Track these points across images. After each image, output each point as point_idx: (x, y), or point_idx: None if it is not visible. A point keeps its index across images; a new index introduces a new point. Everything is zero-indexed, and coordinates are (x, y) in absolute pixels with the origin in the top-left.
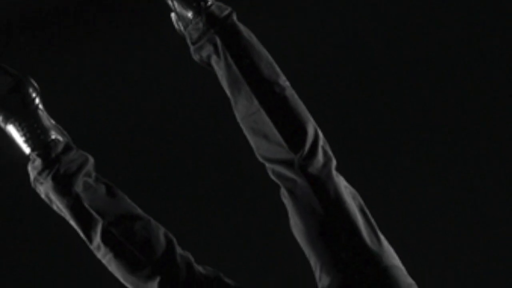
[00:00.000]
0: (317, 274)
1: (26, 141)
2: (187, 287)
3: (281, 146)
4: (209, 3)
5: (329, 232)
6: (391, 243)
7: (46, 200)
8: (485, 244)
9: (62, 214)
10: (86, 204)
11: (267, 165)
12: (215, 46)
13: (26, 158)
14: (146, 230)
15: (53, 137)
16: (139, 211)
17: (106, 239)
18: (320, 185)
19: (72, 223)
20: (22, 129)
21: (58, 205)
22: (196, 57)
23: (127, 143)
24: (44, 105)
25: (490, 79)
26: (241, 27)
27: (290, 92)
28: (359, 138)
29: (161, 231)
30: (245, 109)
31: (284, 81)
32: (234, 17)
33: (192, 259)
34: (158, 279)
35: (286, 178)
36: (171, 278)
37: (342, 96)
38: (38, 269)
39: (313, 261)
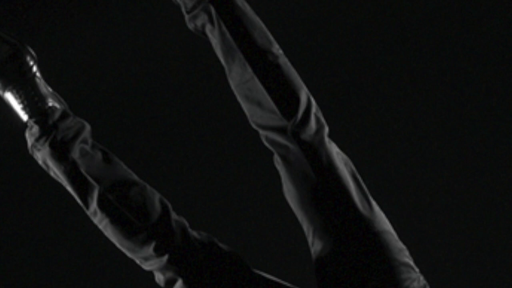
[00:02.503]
0: (309, 239)
1: (24, 108)
2: (182, 251)
3: (274, 113)
4: None
5: (321, 198)
6: (382, 208)
7: (43, 166)
8: (477, 209)
9: (59, 180)
10: (82, 170)
11: (261, 132)
12: (209, 15)
13: (23, 125)
14: (141, 196)
15: (50, 104)
16: (135, 177)
17: (102, 205)
18: (313, 152)
19: (69, 189)
20: (20, 97)
21: (55, 171)
22: (190, 26)
23: (123, 109)
24: (41, 73)
25: (490, 79)
26: None
27: (283, 60)
28: (351, 104)
29: (157, 196)
30: (239, 77)
31: (277, 49)
32: None
33: (187, 224)
34: (153, 244)
35: (279, 144)
36: (166, 243)
37: (335, 64)
38: (35, 230)
39: (305, 226)
